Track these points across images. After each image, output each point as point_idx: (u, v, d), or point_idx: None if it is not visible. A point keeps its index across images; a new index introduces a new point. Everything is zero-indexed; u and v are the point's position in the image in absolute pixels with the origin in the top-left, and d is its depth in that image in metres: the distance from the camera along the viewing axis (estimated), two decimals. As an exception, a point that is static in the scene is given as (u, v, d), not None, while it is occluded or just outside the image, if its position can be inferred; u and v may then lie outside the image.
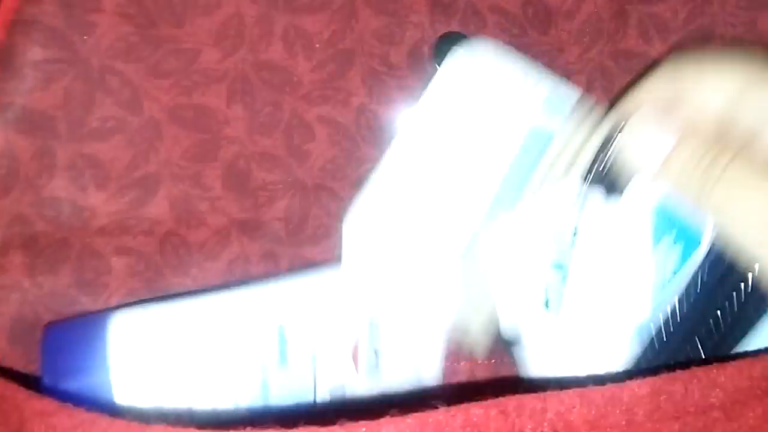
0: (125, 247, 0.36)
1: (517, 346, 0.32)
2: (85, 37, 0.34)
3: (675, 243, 0.30)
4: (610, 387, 0.34)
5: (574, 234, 0.31)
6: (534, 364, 0.32)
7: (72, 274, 0.35)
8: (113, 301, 0.36)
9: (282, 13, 0.36)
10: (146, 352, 0.33)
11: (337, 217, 0.40)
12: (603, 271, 0.31)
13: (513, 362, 0.33)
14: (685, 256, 0.30)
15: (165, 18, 0.35)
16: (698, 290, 0.30)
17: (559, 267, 0.31)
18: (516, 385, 0.41)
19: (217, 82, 0.36)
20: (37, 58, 0.33)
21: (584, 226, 0.31)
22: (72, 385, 0.32)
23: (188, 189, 0.37)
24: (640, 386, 0.34)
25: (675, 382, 0.35)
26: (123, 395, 0.32)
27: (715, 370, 0.36)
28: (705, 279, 0.30)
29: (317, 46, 0.38)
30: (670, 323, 0.31)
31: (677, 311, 0.31)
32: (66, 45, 0.34)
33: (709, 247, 0.30)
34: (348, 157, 0.39)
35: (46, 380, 0.32)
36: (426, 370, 0.40)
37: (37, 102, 0.34)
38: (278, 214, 0.39)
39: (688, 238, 0.30)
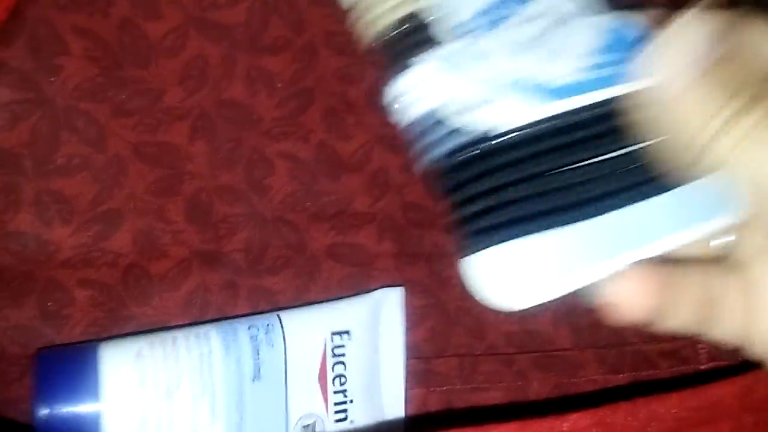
0: (88, 279, 0.37)
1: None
2: (52, 79, 0.35)
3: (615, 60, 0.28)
4: (550, 418, 0.35)
5: None
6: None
7: (36, 306, 0.36)
8: (76, 332, 0.37)
9: (244, 54, 0.38)
10: (136, 382, 0.35)
11: (296, 248, 0.41)
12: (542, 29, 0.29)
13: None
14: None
15: (130, 60, 0.36)
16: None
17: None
18: (462, 414, 0.43)
19: (180, 120, 0.38)
20: (5, 100, 0.34)
21: None
22: (63, 410, 0.33)
23: (151, 222, 0.38)
24: (581, 417, 0.36)
25: (615, 413, 0.37)
26: (112, 424, 0.34)
27: (656, 401, 0.37)
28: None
29: (278, 85, 0.39)
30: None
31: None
32: (33, 86, 0.35)
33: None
34: (307, 191, 0.41)
35: (39, 403, 0.33)
36: (389, 397, 0.41)
37: (4, 141, 0.35)
38: (239, 246, 0.40)
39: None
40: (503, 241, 0.26)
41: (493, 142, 0.27)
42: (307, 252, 0.41)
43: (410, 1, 0.29)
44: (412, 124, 0.29)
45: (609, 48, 0.29)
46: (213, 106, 0.38)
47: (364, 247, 0.42)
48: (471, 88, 0.27)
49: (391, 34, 0.29)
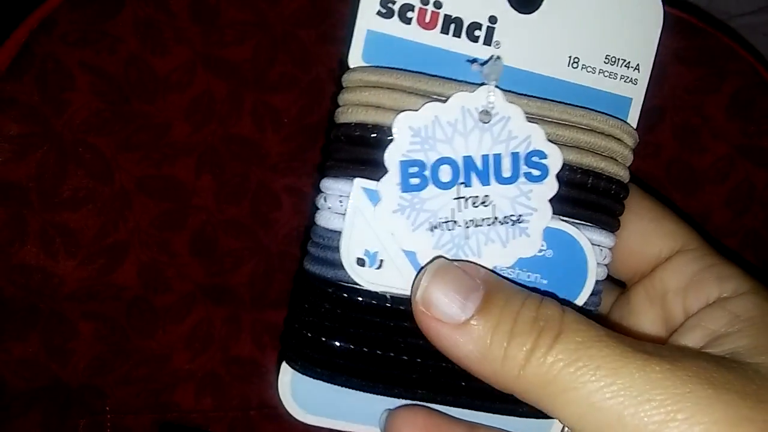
0: (93, 313, 0.37)
1: None
2: (59, 113, 0.35)
3: None
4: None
5: None
6: None
7: (40, 340, 0.36)
8: (81, 366, 0.37)
9: (251, 91, 0.38)
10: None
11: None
12: None
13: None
14: None
15: (137, 95, 0.36)
16: None
17: None
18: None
19: (187, 154, 0.38)
20: (13, 133, 0.35)
21: None
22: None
23: (156, 256, 0.38)
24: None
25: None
26: None
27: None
28: None
29: (285, 121, 0.39)
30: None
31: None
32: (41, 120, 0.35)
33: None
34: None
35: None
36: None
37: (11, 173, 0.35)
38: (243, 279, 0.40)
39: None
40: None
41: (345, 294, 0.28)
42: (311, 286, 0.41)
43: (379, 111, 0.28)
44: (315, 227, 0.29)
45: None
46: (220, 141, 0.38)
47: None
48: (373, 236, 0.28)
49: (348, 131, 0.29)
